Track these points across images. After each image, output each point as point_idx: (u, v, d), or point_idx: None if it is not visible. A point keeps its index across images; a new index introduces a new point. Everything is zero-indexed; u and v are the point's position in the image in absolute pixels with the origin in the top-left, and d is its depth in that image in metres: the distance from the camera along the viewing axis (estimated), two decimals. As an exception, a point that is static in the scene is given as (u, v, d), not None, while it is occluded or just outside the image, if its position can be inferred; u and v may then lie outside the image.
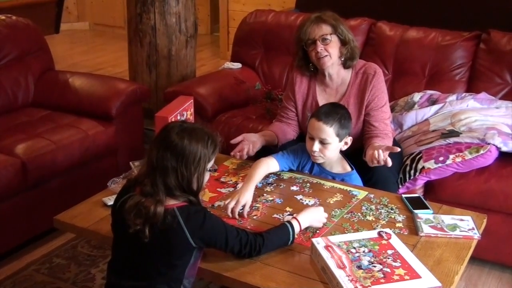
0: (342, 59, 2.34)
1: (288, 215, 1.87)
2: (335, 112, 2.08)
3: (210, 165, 1.61)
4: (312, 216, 1.79)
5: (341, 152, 2.20)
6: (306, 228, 1.80)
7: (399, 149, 2.05)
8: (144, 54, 3.50)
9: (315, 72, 2.41)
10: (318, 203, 1.97)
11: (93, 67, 5.50)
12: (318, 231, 1.80)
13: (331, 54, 2.29)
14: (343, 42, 2.31)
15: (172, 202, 1.54)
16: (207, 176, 1.62)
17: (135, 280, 1.56)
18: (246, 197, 1.90)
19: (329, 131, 2.05)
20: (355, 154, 2.22)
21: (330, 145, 2.07)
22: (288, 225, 1.71)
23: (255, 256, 1.64)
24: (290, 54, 3.30)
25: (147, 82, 3.53)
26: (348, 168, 2.19)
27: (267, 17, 3.42)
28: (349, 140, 2.13)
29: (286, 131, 2.44)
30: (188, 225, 1.52)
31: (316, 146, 2.08)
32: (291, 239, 1.70)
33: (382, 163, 2.03)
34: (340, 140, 2.09)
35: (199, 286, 2.28)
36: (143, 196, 1.52)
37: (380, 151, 2.03)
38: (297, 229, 1.72)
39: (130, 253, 1.57)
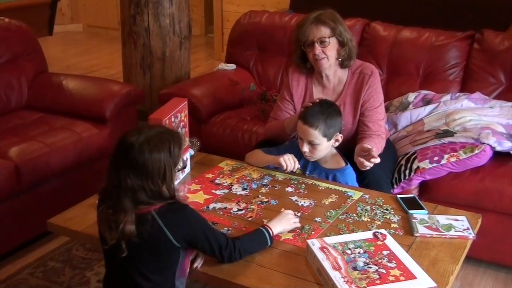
0: (340, 59, 2.34)
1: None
2: (321, 112, 2.08)
3: (178, 167, 1.56)
4: (281, 221, 1.77)
5: (337, 148, 2.20)
6: (301, 229, 1.80)
7: (378, 160, 2.05)
8: (138, 56, 3.50)
9: (312, 71, 2.42)
10: (313, 204, 1.97)
11: (87, 69, 5.48)
12: (313, 232, 1.79)
13: (328, 56, 2.29)
14: (341, 44, 2.31)
15: (149, 207, 1.50)
16: (177, 178, 1.58)
17: None
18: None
19: (315, 134, 2.06)
20: (351, 153, 2.22)
21: (319, 146, 2.09)
22: (263, 228, 1.70)
23: (234, 260, 1.62)
24: (284, 55, 3.30)
25: (141, 84, 3.52)
26: (343, 163, 2.19)
27: (261, 18, 3.42)
28: (339, 137, 2.14)
29: None
30: (168, 226, 1.49)
31: (306, 147, 2.10)
32: (268, 239, 1.69)
33: (368, 167, 2.05)
34: (329, 139, 2.10)
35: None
36: (111, 208, 1.48)
37: (362, 159, 2.04)
38: (271, 232, 1.71)
39: (118, 264, 1.54)
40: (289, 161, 2.12)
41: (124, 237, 1.45)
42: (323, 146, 2.10)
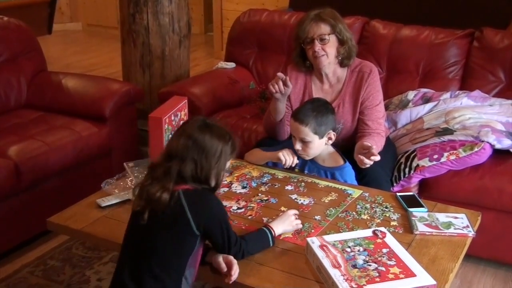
0: (339, 58, 2.34)
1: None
2: (311, 110, 2.09)
3: (228, 164, 1.62)
4: (284, 222, 1.77)
5: (335, 146, 2.20)
6: (301, 228, 1.80)
7: (379, 157, 2.05)
8: (137, 55, 3.49)
9: (311, 69, 2.41)
10: (313, 202, 1.97)
11: (86, 67, 5.48)
12: (313, 231, 1.79)
13: (328, 54, 2.29)
14: (341, 42, 2.31)
15: (179, 186, 1.53)
16: (225, 175, 1.63)
17: (136, 271, 1.53)
18: None
19: (305, 131, 2.07)
20: (350, 152, 2.22)
21: (311, 143, 2.10)
22: (266, 229, 1.71)
23: (237, 259, 1.61)
24: (284, 53, 3.30)
25: (140, 83, 3.51)
26: (341, 161, 2.19)
27: (261, 17, 3.42)
28: (332, 135, 2.14)
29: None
30: (191, 208, 1.50)
31: (298, 145, 2.12)
32: (270, 240, 1.70)
33: (368, 165, 2.04)
34: (321, 137, 2.10)
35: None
36: (151, 179, 1.53)
37: (362, 157, 2.04)
38: (273, 233, 1.71)
39: (135, 240, 1.56)
40: (288, 156, 2.12)
41: (155, 204, 1.48)
42: (315, 143, 2.10)
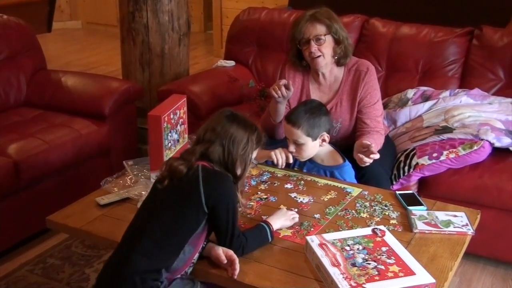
0: (336, 57, 2.33)
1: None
2: (304, 112, 2.09)
3: (253, 156, 1.68)
4: (280, 217, 1.78)
5: (334, 145, 2.20)
6: (300, 226, 1.80)
7: (378, 156, 2.05)
8: (137, 53, 3.49)
9: (308, 69, 2.41)
10: (312, 200, 1.98)
11: (85, 66, 5.48)
12: (312, 229, 1.80)
13: (324, 54, 2.29)
14: (337, 42, 2.30)
15: (201, 162, 1.59)
16: (250, 166, 1.69)
17: (140, 231, 1.55)
18: None
19: (298, 133, 2.07)
20: (349, 151, 2.22)
21: (304, 145, 2.10)
22: (264, 224, 1.72)
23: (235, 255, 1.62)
24: (283, 52, 3.30)
25: (140, 81, 3.51)
26: (340, 160, 2.19)
27: (260, 15, 3.42)
28: (326, 137, 2.13)
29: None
30: (205, 182, 1.54)
31: (292, 147, 2.12)
32: (269, 235, 1.70)
33: (368, 163, 2.04)
34: (314, 139, 2.10)
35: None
36: (179, 157, 1.64)
37: (361, 155, 2.04)
38: (272, 228, 1.72)
39: (148, 204, 1.62)
40: (280, 155, 2.13)
41: (172, 172, 1.58)
42: (309, 146, 2.10)
